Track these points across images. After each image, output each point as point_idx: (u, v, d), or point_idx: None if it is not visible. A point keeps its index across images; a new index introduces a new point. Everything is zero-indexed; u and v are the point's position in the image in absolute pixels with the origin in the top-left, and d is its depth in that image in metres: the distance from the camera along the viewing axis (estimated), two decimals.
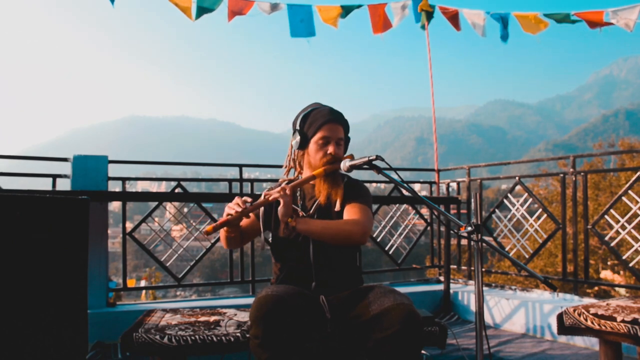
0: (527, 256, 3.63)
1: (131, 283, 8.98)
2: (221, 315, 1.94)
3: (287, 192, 1.70)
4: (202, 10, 4.11)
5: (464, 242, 4.23)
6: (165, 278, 15.79)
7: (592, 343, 2.78)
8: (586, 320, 1.87)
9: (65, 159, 2.94)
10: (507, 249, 3.72)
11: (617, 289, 10.44)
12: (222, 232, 1.80)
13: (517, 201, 3.66)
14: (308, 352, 1.59)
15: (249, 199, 1.69)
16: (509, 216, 3.74)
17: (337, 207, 1.81)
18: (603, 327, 1.81)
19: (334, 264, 1.79)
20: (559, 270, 3.66)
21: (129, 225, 3.08)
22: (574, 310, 1.93)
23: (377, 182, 5.81)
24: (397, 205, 4.03)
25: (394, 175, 1.68)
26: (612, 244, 3.18)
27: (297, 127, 1.84)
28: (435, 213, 4.02)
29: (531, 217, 3.58)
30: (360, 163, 1.69)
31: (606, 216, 3.21)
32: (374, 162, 1.66)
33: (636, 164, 13.96)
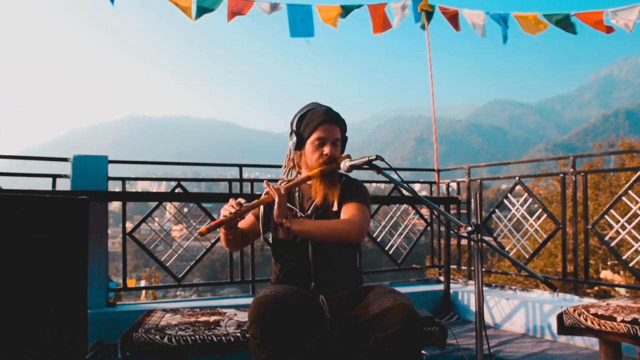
0: (527, 256, 3.63)
1: (131, 283, 8.99)
2: (221, 315, 1.94)
3: (282, 192, 1.70)
4: (202, 10, 4.12)
5: (464, 242, 4.24)
6: (165, 278, 15.79)
7: (592, 343, 2.78)
8: (586, 320, 1.87)
9: (65, 159, 2.94)
10: (507, 249, 3.72)
11: (617, 289, 10.44)
12: (221, 234, 1.80)
13: (517, 201, 3.66)
14: (307, 352, 1.59)
15: (243, 201, 1.69)
16: (509, 216, 3.74)
17: (335, 207, 1.80)
18: (603, 327, 1.81)
19: (333, 264, 1.79)
20: (559, 270, 3.66)
21: (129, 225, 3.08)
22: (574, 310, 1.92)
23: (377, 182, 5.81)
24: (397, 205, 4.03)
25: (394, 175, 1.68)
26: (612, 244, 3.18)
27: (294, 128, 1.84)
28: (435, 213, 4.02)
29: (531, 217, 3.58)
30: (360, 163, 1.69)
31: (606, 216, 3.21)
32: (374, 162, 1.66)
33: (636, 164, 13.96)
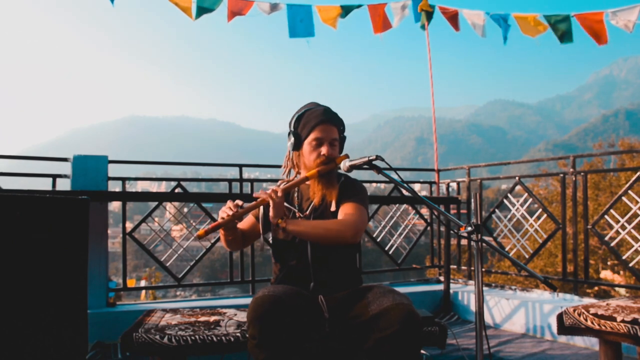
0: (527, 256, 3.63)
1: (131, 283, 8.98)
2: (221, 315, 1.94)
3: (279, 193, 1.70)
4: (202, 10, 4.12)
5: (464, 242, 4.24)
6: (165, 278, 15.79)
7: (592, 343, 2.78)
8: (586, 320, 1.87)
9: (65, 159, 2.94)
10: (507, 249, 3.72)
11: (617, 289, 10.44)
12: (221, 235, 1.80)
13: (517, 201, 3.66)
14: (306, 353, 1.59)
15: (241, 203, 1.69)
16: (509, 216, 3.74)
17: (333, 208, 1.80)
18: (603, 327, 1.81)
19: (332, 264, 1.79)
20: (559, 270, 3.66)
21: (129, 225, 3.08)
22: (574, 310, 1.92)
23: (377, 182, 5.81)
24: (397, 205, 4.03)
25: (394, 175, 1.68)
26: (612, 244, 3.18)
27: (292, 129, 1.84)
28: (435, 213, 4.02)
29: (531, 217, 3.58)
30: (360, 163, 1.69)
31: (606, 216, 3.21)
32: (374, 162, 1.66)
33: (636, 164, 13.96)
